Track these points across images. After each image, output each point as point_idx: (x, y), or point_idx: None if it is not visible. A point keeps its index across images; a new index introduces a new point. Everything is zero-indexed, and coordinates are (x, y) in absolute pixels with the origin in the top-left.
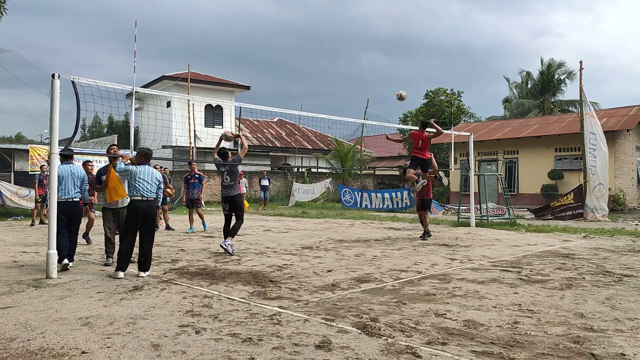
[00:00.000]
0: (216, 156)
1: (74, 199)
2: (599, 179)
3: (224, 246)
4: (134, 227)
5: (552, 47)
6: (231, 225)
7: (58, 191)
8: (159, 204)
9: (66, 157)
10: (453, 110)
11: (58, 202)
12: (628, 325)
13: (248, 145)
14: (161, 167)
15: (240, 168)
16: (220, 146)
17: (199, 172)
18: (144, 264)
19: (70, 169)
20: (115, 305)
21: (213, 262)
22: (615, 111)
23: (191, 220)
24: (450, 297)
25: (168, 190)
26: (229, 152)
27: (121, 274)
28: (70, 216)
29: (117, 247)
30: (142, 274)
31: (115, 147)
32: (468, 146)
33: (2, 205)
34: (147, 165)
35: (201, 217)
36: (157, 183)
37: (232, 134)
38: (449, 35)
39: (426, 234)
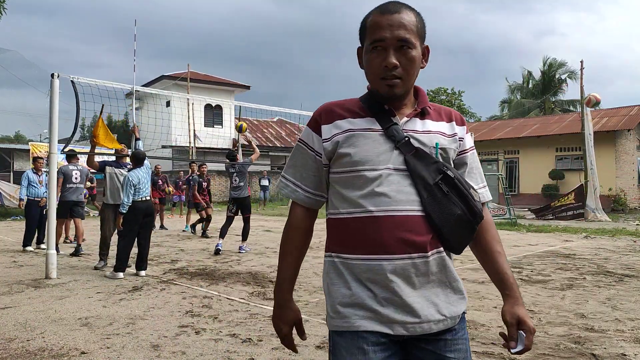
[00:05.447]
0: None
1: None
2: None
3: (220, 247)
4: (135, 227)
5: (555, 47)
6: (241, 229)
7: (29, 193)
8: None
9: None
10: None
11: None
12: (629, 325)
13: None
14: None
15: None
16: (234, 148)
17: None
18: (144, 262)
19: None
20: (115, 305)
21: (213, 262)
22: (616, 111)
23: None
24: None
25: (170, 188)
26: (237, 155)
27: (121, 275)
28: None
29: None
30: (141, 272)
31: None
32: None
33: (2, 206)
34: (143, 167)
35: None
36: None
37: (243, 131)
38: (452, 35)
39: None
